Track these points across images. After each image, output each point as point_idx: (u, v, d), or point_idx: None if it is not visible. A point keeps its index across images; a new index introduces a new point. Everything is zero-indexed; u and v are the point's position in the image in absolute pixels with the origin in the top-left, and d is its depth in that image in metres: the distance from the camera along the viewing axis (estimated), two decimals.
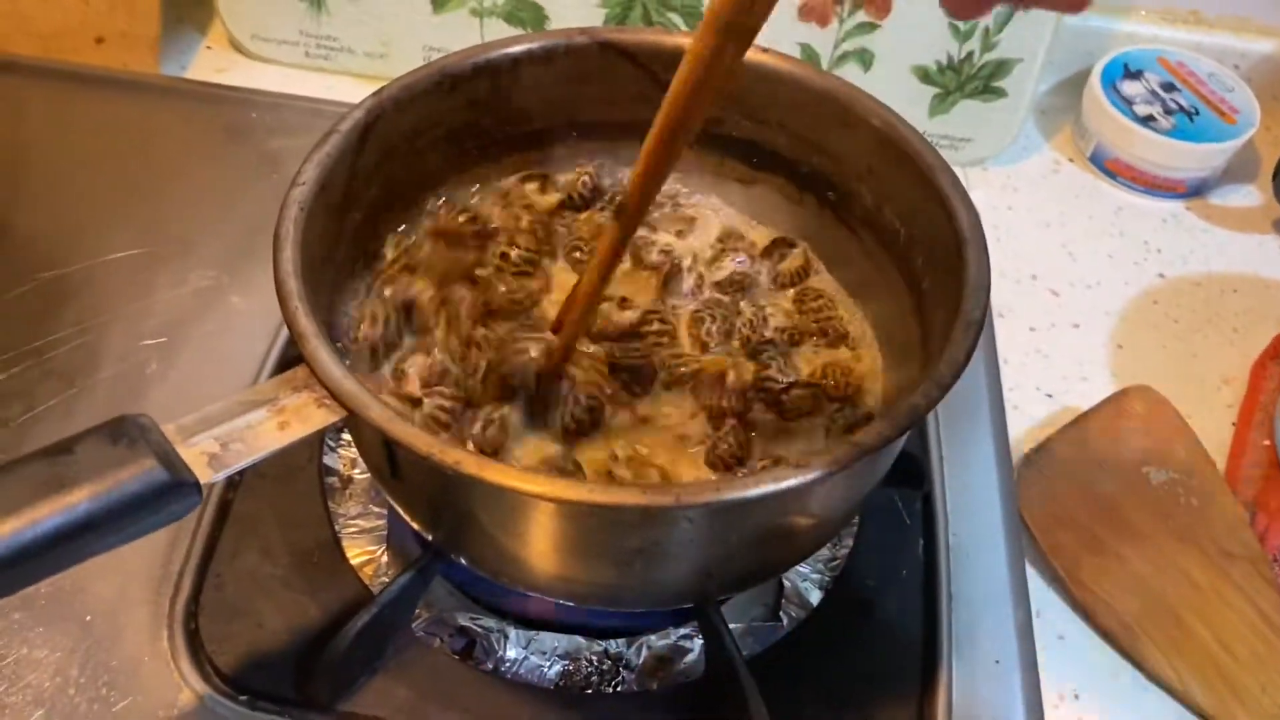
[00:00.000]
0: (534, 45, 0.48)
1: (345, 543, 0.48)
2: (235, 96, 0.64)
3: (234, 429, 0.33)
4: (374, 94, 0.45)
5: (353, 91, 0.71)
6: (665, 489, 0.32)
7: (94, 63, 0.65)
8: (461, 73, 0.47)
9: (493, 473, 0.32)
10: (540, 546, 0.36)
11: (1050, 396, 0.60)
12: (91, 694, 0.41)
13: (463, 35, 0.70)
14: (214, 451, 0.33)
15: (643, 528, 0.34)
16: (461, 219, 0.49)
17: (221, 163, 0.60)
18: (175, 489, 0.31)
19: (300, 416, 0.34)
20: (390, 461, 0.37)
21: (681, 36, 0.49)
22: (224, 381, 0.51)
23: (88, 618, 0.43)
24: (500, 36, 0.69)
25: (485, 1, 0.69)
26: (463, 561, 0.40)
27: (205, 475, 0.32)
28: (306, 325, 0.36)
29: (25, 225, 0.57)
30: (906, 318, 0.45)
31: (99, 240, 0.55)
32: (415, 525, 0.41)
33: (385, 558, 0.48)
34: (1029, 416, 0.59)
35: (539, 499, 0.32)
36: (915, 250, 0.45)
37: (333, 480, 0.49)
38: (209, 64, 0.71)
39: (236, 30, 0.71)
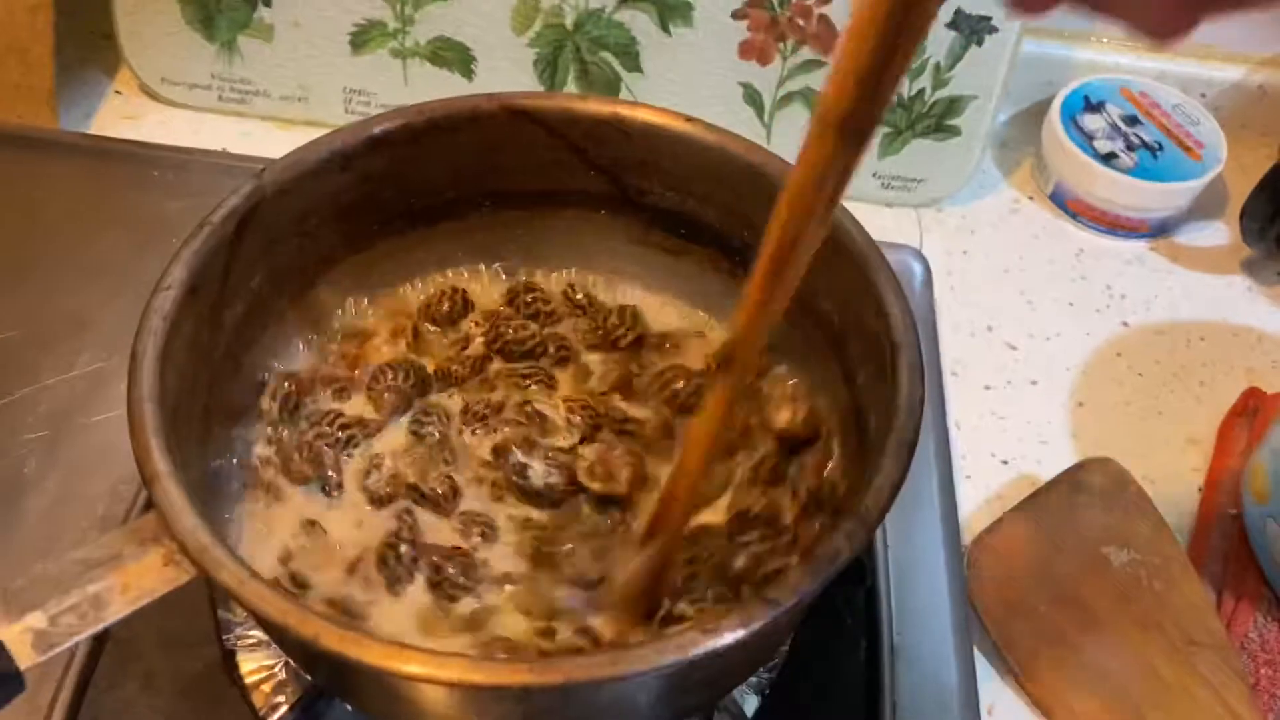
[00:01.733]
0: (438, 114, 0.44)
1: (240, 656, 0.44)
2: (135, 152, 0.60)
3: (67, 598, 0.30)
4: (254, 176, 0.41)
5: (270, 137, 0.67)
6: (553, 666, 0.28)
7: None
8: (355, 149, 0.43)
9: (356, 649, 0.28)
10: (430, 710, 0.33)
11: (1006, 463, 0.57)
12: None
13: (384, 77, 0.66)
14: (40, 628, 0.29)
15: (531, 700, 0.30)
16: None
17: (119, 227, 0.56)
18: None
19: (147, 576, 0.30)
20: (254, 616, 0.33)
21: (595, 102, 0.45)
22: (108, 481, 0.47)
23: None
24: (424, 77, 0.65)
25: (407, 42, 0.65)
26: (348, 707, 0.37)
27: (28, 659, 0.28)
28: (159, 464, 0.32)
29: None
30: (846, 414, 0.42)
31: None
32: (295, 666, 0.37)
33: (283, 673, 0.44)
34: (984, 486, 0.56)
35: (411, 680, 0.29)
36: (850, 342, 0.41)
37: None
38: (118, 110, 0.67)
39: (144, 74, 0.67)
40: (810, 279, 0.42)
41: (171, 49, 0.66)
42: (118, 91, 0.68)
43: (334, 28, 0.64)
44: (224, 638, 0.44)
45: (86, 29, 0.66)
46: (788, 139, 0.66)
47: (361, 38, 0.65)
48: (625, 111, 0.45)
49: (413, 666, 0.28)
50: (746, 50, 0.64)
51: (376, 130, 0.43)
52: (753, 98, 0.65)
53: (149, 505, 0.46)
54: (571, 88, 0.66)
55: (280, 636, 0.34)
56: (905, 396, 0.35)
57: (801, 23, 0.63)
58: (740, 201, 0.45)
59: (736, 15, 0.63)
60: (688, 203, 0.47)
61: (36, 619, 0.29)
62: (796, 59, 0.64)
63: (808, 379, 0.44)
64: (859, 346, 0.41)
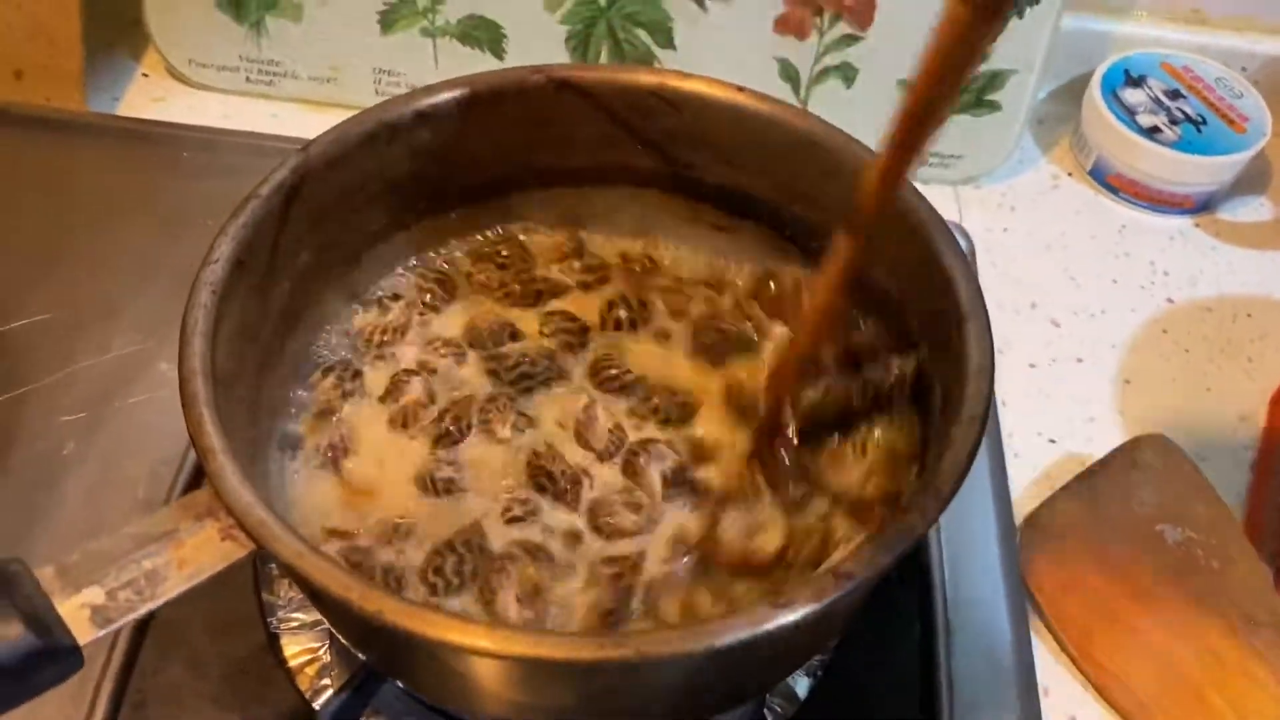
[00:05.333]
0: (481, 86, 0.43)
1: (284, 639, 0.43)
2: (165, 134, 0.59)
3: (124, 573, 0.29)
4: (300, 150, 0.40)
5: (299, 119, 0.66)
6: (621, 640, 0.27)
7: (12, 98, 0.60)
8: (401, 121, 0.42)
9: (419, 624, 0.28)
10: (486, 688, 0.32)
11: (1053, 442, 0.56)
12: None
13: (415, 56, 0.65)
14: (98, 603, 0.28)
15: (596, 678, 0.29)
16: None
17: (150, 210, 0.55)
18: (48, 656, 0.27)
19: (203, 552, 0.30)
20: (310, 592, 0.33)
21: (643, 72, 0.44)
22: (147, 462, 0.46)
23: None
24: (454, 57, 0.65)
25: (437, 21, 0.64)
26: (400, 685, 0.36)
27: (86, 634, 0.28)
28: (213, 439, 0.31)
29: None
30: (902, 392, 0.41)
31: (13, 303, 0.51)
32: (348, 645, 0.37)
33: (328, 656, 0.43)
34: (1031, 466, 0.54)
35: (477, 654, 0.28)
36: (909, 316, 0.40)
37: (271, 566, 0.45)
38: (145, 93, 0.66)
39: (172, 56, 0.66)
40: (869, 251, 0.42)
41: (199, 31, 0.65)
42: (145, 74, 0.67)
43: (363, 7, 0.64)
44: (268, 620, 0.44)
45: (113, 12, 0.65)
46: (825, 114, 0.65)
47: (391, 17, 0.64)
48: (673, 82, 0.44)
49: (481, 641, 0.27)
50: (782, 24, 0.63)
51: (423, 103, 0.42)
52: (789, 73, 0.64)
53: (193, 483, 0.46)
54: (605, 63, 0.65)
55: (338, 612, 0.33)
56: (975, 368, 0.34)
57: None
58: (793, 174, 0.44)
59: None
60: (739, 177, 0.46)
61: (94, 594, 0.28)
62: (833, 34, 0.63)
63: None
64: (919, 320, 0.40)
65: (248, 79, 0.66)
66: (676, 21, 0.63)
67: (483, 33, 0.64)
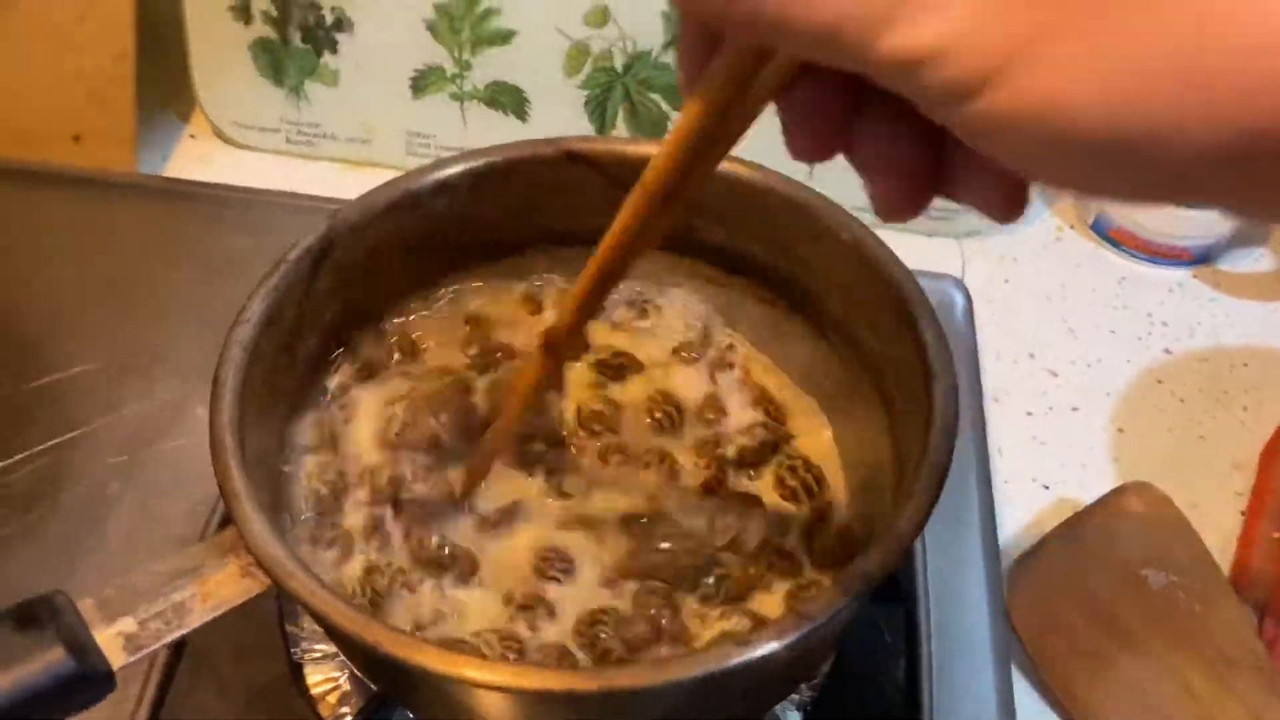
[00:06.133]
0: (498, 159, 0.47)
1: (307, 669, 0.47)
2: (208, 193, 0.63)
3: (154, 605, 0.32)
4: (329, 217, 0.44)
5: (336, 178, 0.71)
6: (595, 673, 0.30)
7: (71, 161, 0.65)
8: (423, 190, 0.46)
9: (421, 656, 0.31)
10: (477, 714, 0.35)
11: (1047, 488, 0.58)
12: None
13: (444, 119, 0.69)
14: (130, 631, 0.32)
15: (572, 708, 0.32)
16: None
17: (192, 264, 0.60)
18: (85, 680, 0.30)
19: (225, 586, 0.33)
20: (322, 625, 0.36)
21: (646, 145, 0.47)
22: (185, 502, 0.50)
23: None
24: (481, 119, 0.69)
25: (465, 86, 0.68)
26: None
27: (119, 660, 0.31)
28: (238, 484, 0.35)
29: None
30: (879, 437, 0.44)
31: (66, 352, 0.55)
32: (359, 674, 0.40)
33: (347, 684, 0.46)
34: (1024, 510, 0.57)
35: (474, 685, 0.31)
36: (887, 367, 0.43)
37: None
38: (192, 152, 0.71)
39: (217, 118, 0.71)
40: (848, 304, 0.45)
41: (243, 95, 0.69)
42: (191, 135, 0.72)
43: (395, 72, 0.68)
44: (291, 651, 0.47)
45: (163, 76, 0.70)
46: (826, 171, 0.68)
47: (421, 82, 0.68)
48: (676, 153, 0.47)
49: (467, 671, 0.30)
50: None
51: (443, 174, 0.46)
52: None
53: (225, 522, 0.49)
54: (621, 126, 0.69)
55: (346, 643, 0.36)
56: (939, 422, 0.37)
57: None
58: (784, 237, 0.47)
59: None
60: (735, 238, 0.49)
61: (127, 624, 0.32)
62: None
63: (847, 408, 0.46)
64: (894, 371, 0.42)
65: (288, 140, 0.71)
66: None
67: (507, 97, 0.68)
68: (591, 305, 0.36)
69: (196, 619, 0.32)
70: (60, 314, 0.57)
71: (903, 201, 0.28)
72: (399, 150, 0.70)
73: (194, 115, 0.73)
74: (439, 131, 0.70)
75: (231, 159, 0.71)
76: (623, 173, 0.48)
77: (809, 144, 0.29)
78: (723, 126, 0.29)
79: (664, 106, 0.68)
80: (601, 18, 0.65)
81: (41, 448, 0.51)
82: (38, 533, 0.48)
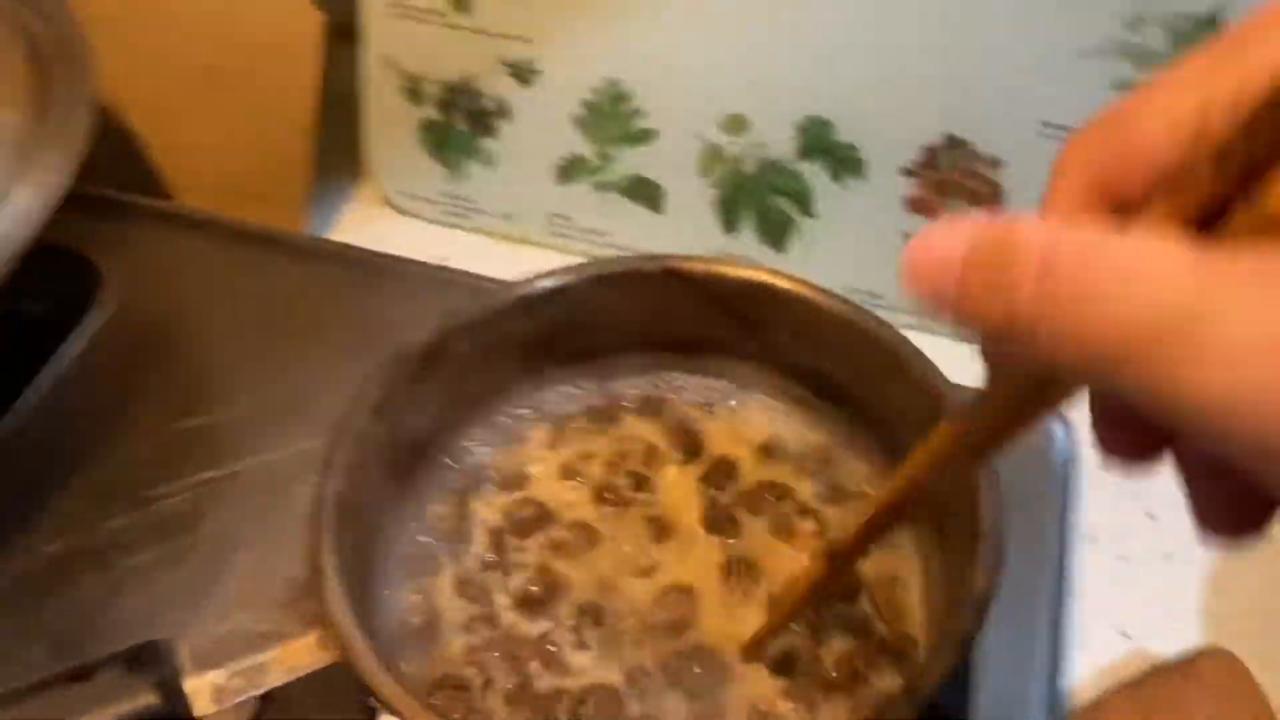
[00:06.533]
0: (606, 271, 0.51)
1: None
2: (366, 260, 0.70)
3: (240, 663, 0.37)
4: (447, 315, 0.49)
5: (486, 249, 0.76)
6: None
7: (252, 218, 0.72)
8: (535, 295, 0.50)
9: None
10: None
11: (1126, 637, 0.57)
12: None
13: (585, 205, 0.74)
14: (219, 684, 0.37)
15: None
16: None
17: (345, 325, 0.66)
18: None
19: (301, 654, 0.38)
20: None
21: (748, 269, 0.51)
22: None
23: None
24: (618, 209, 0.73)
25: (606, 177, 0.72)
26: None
27: (206, 709, 0.36)
28: (327, 562, 0.40)
29: (160, 380, 0.64)
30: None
31: (218, 397, 0.62)
32: None
33: None
34: (1099, 656, 0.56)
35: None
36: (945, 514, 0.45)
37: None
38: (358, 214, 0.78)
39: (384, 187, 0.77)
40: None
41: (408, 166, 0.76)
42: (359, 200, 0.79)
43: (544, 160, 0.73)
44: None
45: (337, 145, 0.77)
46: None
47: (567, 170, 0.73)
48: (767, 279, 0.50)
49: None
50: (914, 204, 0.68)
51: (555, 283, 0.50)
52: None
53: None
54: (749, 226, 0.72)
55: None
56: (977, 591, 0.38)
57: (968, 184, 0.67)
58: (863, 369, 0.49)
59: (905, 172, 0.67)
60: (821, 362, 0.51)
61: (217, 676, 0.37)
62: (960, 215, 0.68)
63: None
64: (951, 521, 0.44)
65: (444, 211, 0.77)
66: (815, 191, 0.69)
67: (644, 190, 0.72)
68: (875, 536, 0.38)
69: (273, 680, 0.37)
70: (220, 361, 0.64)
71: (1226, 525, 0.25)
72: (542, 229, 0.75)
73: (364, 183, 0.80)
74: (579, 215, 0.74)
75: (392, 225, 0.77)
76: (719, 290, 0.51)
77: (1118, 447, 0.26)
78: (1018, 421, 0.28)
79: (790, 210, 0.70)
80: (738, 125, 0.69)
81: (187, 482, 0.58)
82: (173, 563, 0.55)
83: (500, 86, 0.72)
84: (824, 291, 0.50)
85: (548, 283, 0.50)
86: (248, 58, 0.71)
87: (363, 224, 0.77)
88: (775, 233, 0.71)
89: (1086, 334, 0.20)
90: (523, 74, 0.71)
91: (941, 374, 0.46)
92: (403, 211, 0.78)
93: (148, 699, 0.35)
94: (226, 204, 0.73)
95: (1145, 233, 0.20)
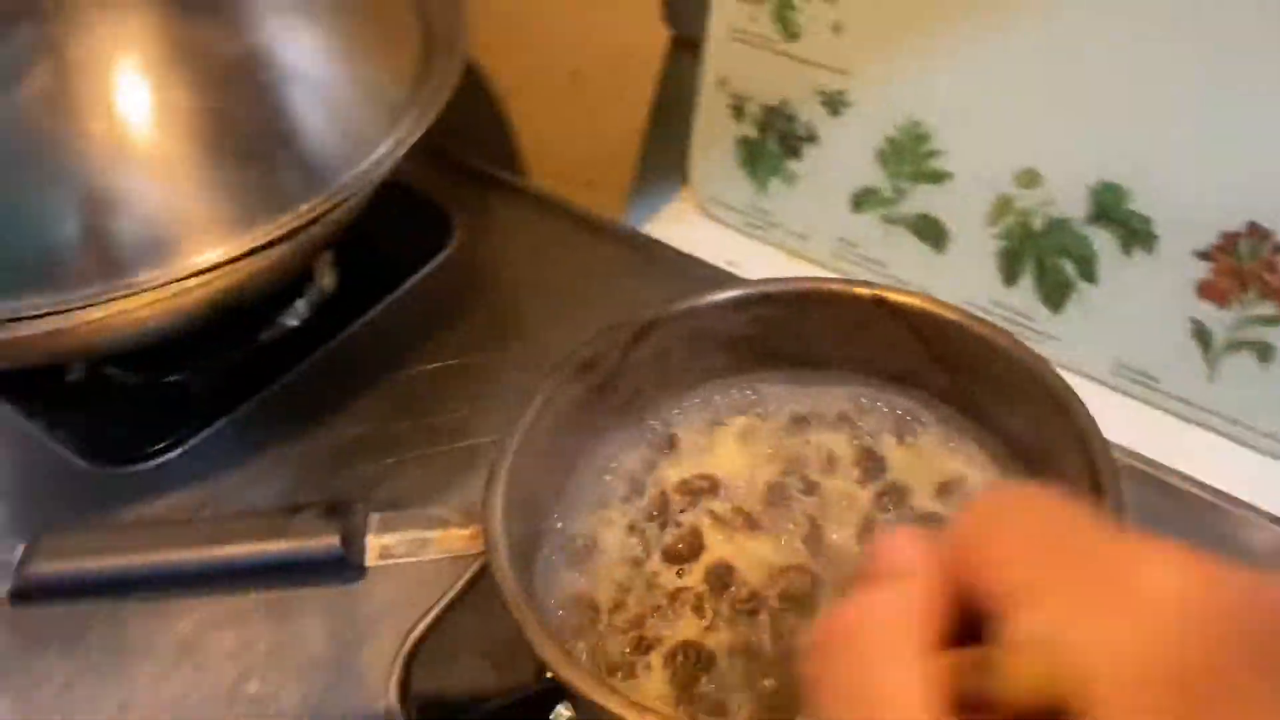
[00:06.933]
0: (822, 288, 0.55)
1: None
2: (669, 256, 0.78)
3: (411, 533, 0.46)
4: (664, 304, 0.55)
5: (778, 262, 0.81)
6: None
7: (580, 202, 0.83)
8: (750, 298, 0.55)
9: (589, 690, 0.40)
10: None
11: None
12: None
13: (872, 236, 0.77)
14: (388, 544, 0.45)
15: None
16: None
17: (628, 304, 0.74)
18: (343, 564, 0.44)
19: (459, 541, 0.46)
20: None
21: (948, 310, 0.53)
22: None
23: None
24: (903, 243, 0.76)
25: (895, 212, 0.75)
26: None
27: (373, 561, 0.45)
28: (500, 474, 0.47)
29: (474, 318, 0.76)
30: None
31: (516, 339, 0.72)
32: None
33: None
34: None
35: None
36: None
37: None
38: (675, 214, 0.86)
39: (700, 193, 0.85)
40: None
41: (722, 178, 0.83)
42: (680, 199, 0.87)
43: (841, 188, 0.77)
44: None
45: (673, 148, 0.86)
46: (1230, 384, 0.66)
47: (860, 200, 0.77)
48: (966, 322, 0.52)
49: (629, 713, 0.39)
50: (1205, 290, 0.65)
51: (771, 289, 0.55)
52: (1201, 335, 0.66)
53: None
54: (1028, 282, 0.72)
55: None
56: None
57: (1267, 277, 0.63)
58: (1059, 441, 0.49)
59: (1200, 255, 0.64)
60: (1011, 417, 0.52)
61: (390, 539, 0.45)
62: (1255, 310, 0.64)
63: None
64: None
65: (746, 222, 0.83)
66: (1101, 258, 0.68)
67: (930, 229, 0.74)
68: None
69: (430, 554, 0.45)
70: (525, 311, 0.75)
71: None
72: (830, 252, 0.79)
73: (685, 188, 0.88)
74: (865, 244, 0.78)
75: (700, 228, 0.85)
76: (924, 327, 0.53)
77: None
78: None
79: (1072, 273, 0.69)
80: (1031, 179, 0.69)
81: (463, 400, 0.69)
82: (426, 464, 0.65)
83: (812, 114, 0.77)
84: (1028, 350, 0.50)
85: (764, 288, 0.55)
86: (603, 63, 0.81)
87: (675, 223, 0.85)
88: (1054, 294, 0.71)
89: None
90: (834, 104, 0.76)
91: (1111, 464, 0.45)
92: (711, 218, 0.85)
93: (330, 540, 0.44)
94: (564, 186, 0.85)
95: None
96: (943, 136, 0.72)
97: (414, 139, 0.66)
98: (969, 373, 0.53)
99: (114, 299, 0.59)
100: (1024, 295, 0.72)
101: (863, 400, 0.57)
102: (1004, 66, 0.68)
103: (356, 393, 0.71)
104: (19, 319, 0.58)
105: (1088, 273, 0.69)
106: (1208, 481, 0.63)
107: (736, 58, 0.79)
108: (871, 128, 0.74)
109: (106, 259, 0.60)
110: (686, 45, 0.81)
